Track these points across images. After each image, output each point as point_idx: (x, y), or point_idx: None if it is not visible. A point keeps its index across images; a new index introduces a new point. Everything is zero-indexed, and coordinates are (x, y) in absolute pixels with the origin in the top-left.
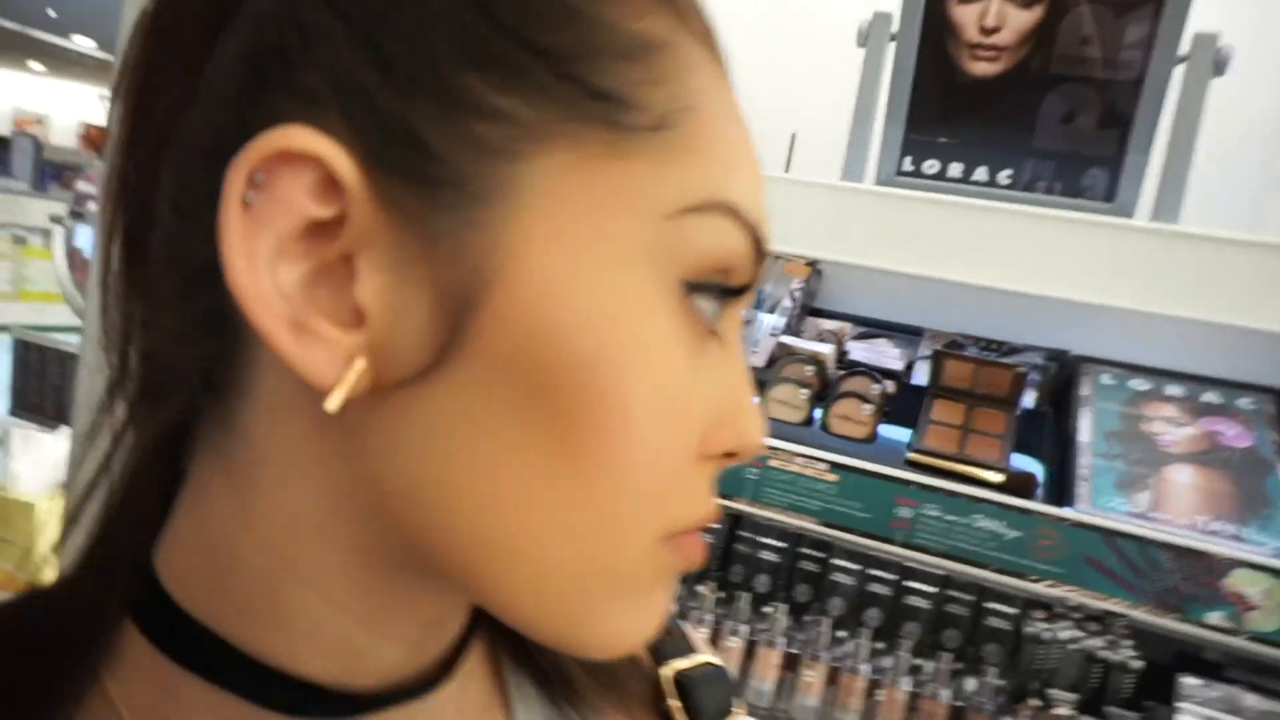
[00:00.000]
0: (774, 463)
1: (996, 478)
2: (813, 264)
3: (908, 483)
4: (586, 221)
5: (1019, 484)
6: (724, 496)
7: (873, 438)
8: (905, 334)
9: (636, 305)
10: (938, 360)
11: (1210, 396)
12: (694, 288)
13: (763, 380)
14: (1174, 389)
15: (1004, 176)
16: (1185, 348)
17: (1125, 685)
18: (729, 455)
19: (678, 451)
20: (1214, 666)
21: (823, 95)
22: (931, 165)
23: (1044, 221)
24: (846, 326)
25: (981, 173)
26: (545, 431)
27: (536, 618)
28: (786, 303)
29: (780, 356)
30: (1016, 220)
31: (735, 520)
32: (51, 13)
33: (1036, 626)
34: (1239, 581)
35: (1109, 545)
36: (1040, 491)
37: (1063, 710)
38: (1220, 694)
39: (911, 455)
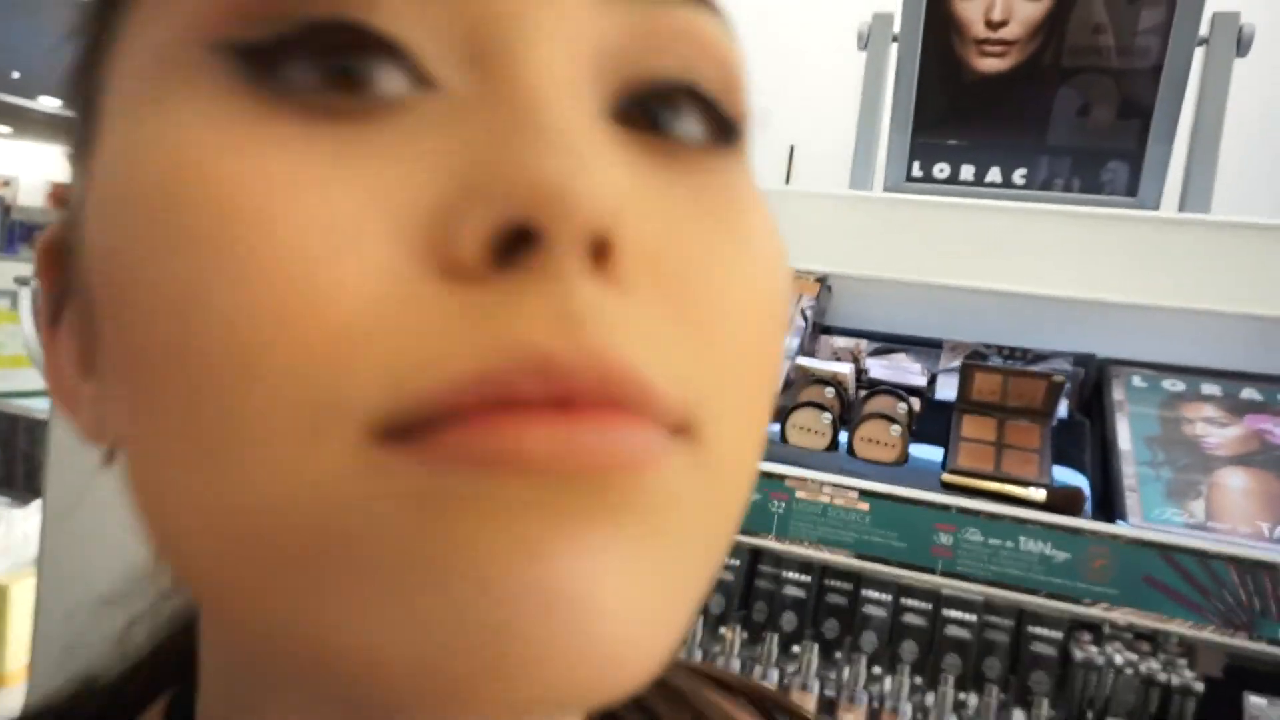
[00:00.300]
0: (801, 494)
1: (1039, 495)
2: (821, 280)
3: (946, 507)
4: (135, 88)
5: (1065, 500)
6: (745, 533)
7: (903, 460)
8: (923, 347)
9: (152, 139)
10: (966, 373)
11: (1250, 393)
12: (244, 50)
13: (781, 406)
14: (1210, 387)
15: (1019, 176)
16: (1217, 343)
17: (1187, 709)
18: (517, 236)
19: (310, 279)
20: (1274, 681)
21: (822, 104)
22: (942, 169)
23: (1063, 220)
24: (861, 343)
25: (995, 174)
26: (142, 369)
27: (271, 629)
28: (798, 321)
29: (796, 380)
30: (1034, 220)
31: (755, 554)
32: (15, 74)
33: (1086, 650)
34: None
35: (1169, 562)
36: (1086, 506)
37: None
38: None
39: (948, 477)
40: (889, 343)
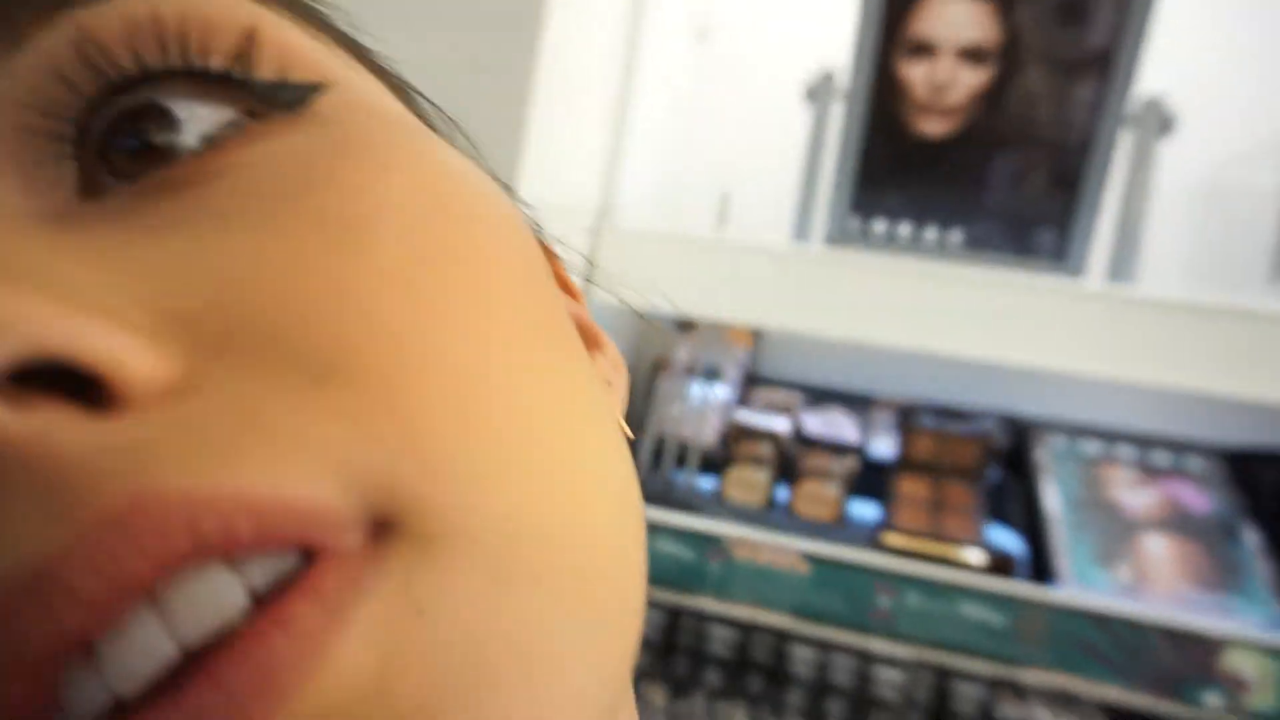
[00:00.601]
0: (739, 553)
1: (978, 557)
2: (755, 332)
3: (887, 572)
4: None
5: (998, 565)
6: (682, 591)
7: (841, 519)
8: (855, 402)
9: None
10: (906, 434)
11: (1161, 457)
12: None
13: (721, 460)
14: (1125, 450)
15: (955, 235)
16: (1129, 405)
17: None
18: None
19: None
20: None
21: (763, 153)
22: (880, 224)
23: (994, 286)
24: (794, 396)
25: (931, 232)
26: None
27: None
28: (731, 373)
29: (732, 434)
30: (966, 284)
31: (675, 609)
32: None
33: (1008, 710)
34: (1233, 661)
35: (1102, 628)
36: (1018, 566)
37: None
38: None
39: (889, 538)
40: (820, 396)
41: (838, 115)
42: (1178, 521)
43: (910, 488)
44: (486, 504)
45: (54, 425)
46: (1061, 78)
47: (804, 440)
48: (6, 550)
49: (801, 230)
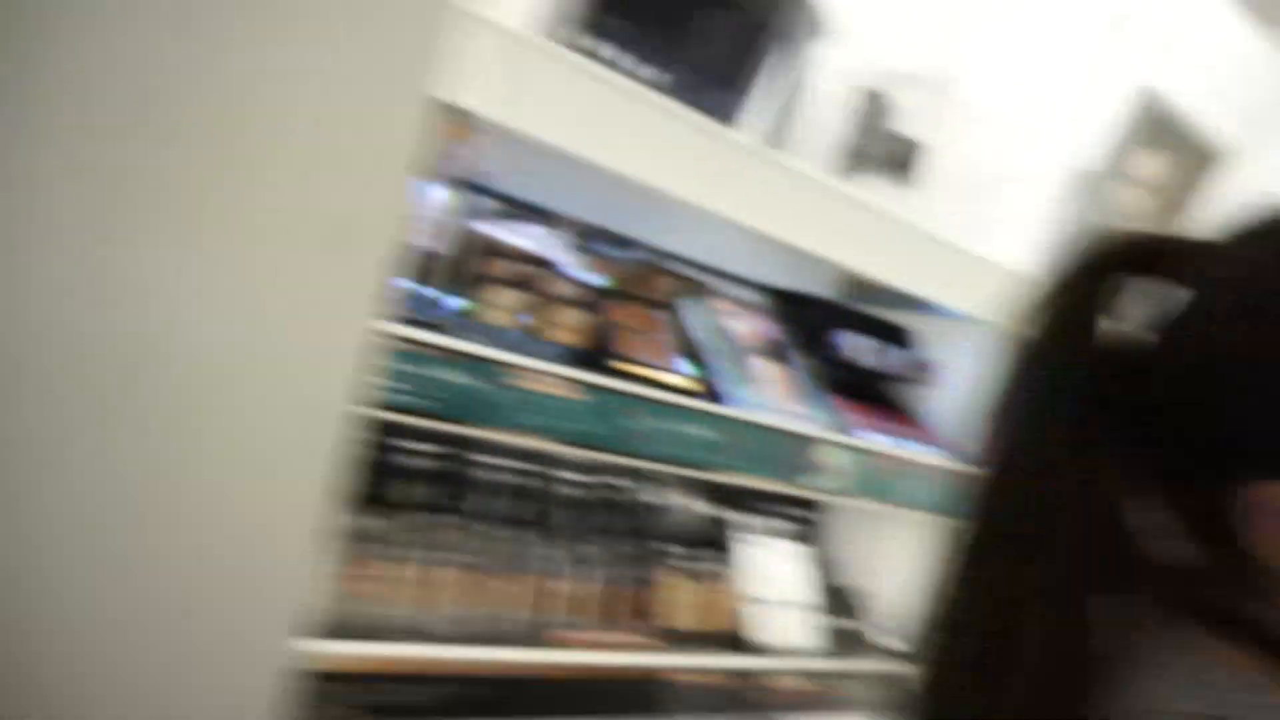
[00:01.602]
0: (521, 381)
1: (678, 381)
2: (473, 126)
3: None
4: None
5: (694, 389)
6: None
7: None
8: (541, 217)
9: None
10: (595, 258)
11: (744, 294)
12: None
13: (467, 277)
14: (724, 286)
15: (648, 72)
16: (722, 245)
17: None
18: None
19: None
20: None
21: None
22: (597, 45)
23: (684, 126)
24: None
25: (629, 62)
26: None
27: None
28: (444, 172)
29: (480, 249)
30: (664, 118)
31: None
32: None
33: (649, 496)
34: (819, 453)
35: (762, 435)
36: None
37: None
38: (760, 524)
39: (615, 363)
40: (516, 208)
41: None
42: (769, 349)
43: (622, 315)
44: None
45: None
46: None
47: (538, 261)
48: None
49: (553, 29)
